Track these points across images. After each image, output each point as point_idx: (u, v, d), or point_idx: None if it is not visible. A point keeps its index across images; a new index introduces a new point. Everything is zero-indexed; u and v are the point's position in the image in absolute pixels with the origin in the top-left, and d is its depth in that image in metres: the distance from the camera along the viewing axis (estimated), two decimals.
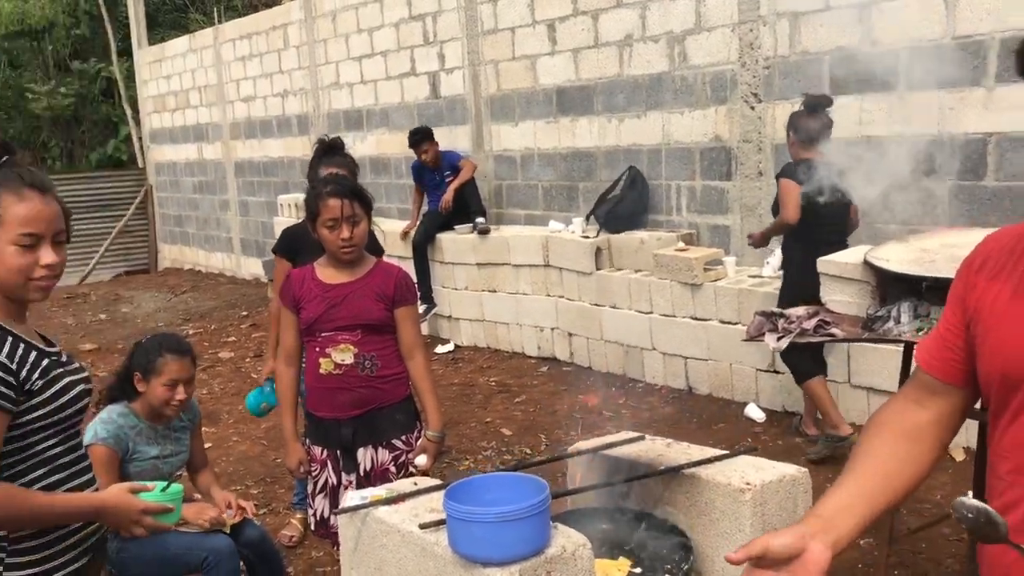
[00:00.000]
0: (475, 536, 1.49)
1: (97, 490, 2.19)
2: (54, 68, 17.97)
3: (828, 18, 5.71)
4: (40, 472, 2.03)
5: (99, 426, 3.25)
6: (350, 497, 1.86)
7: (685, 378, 6.23)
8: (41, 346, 2.10)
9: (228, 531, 3.38)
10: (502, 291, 7.59)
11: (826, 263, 3.20)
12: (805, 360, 4.83)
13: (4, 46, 17.17)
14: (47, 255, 2.00)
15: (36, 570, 2.03)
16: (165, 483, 2.17)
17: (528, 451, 5.51)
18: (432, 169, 8.01)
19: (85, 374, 2.21)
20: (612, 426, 5.80)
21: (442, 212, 7.90)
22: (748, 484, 2.00)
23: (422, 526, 1.64)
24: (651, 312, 6.36)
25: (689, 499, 2.12)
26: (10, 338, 2.01)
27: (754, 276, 5.99)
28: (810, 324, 2.94)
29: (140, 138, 15.61)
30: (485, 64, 8.27)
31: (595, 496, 2.14)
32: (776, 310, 3.21)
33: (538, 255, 7.20)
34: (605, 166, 7.28)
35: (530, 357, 7.44)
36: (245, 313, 10.27)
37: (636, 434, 2.26)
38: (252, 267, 12.28)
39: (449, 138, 8.80)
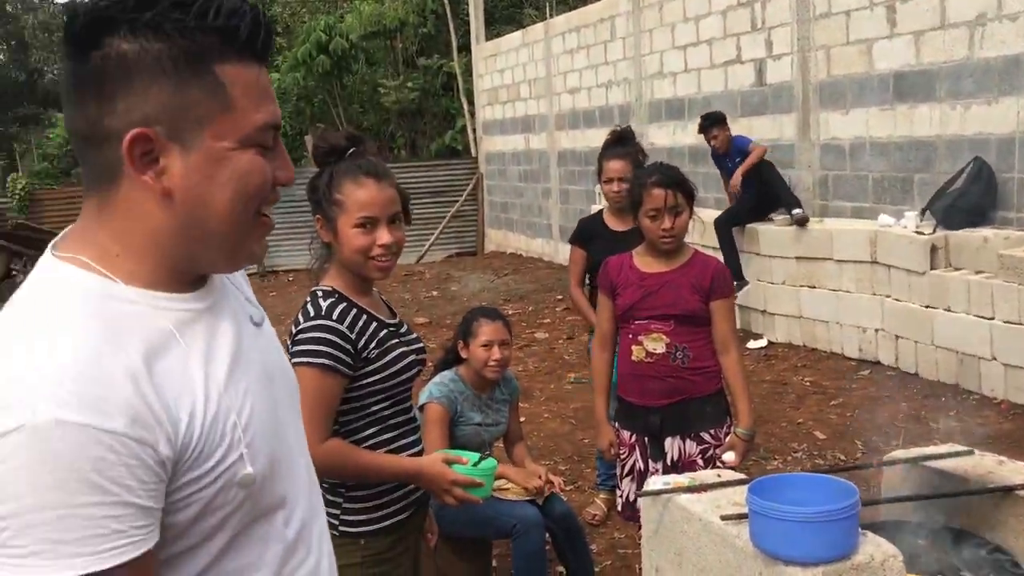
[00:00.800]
0: (779, 533, 1.45)
1: (421, 452, 2.40)
2: (402, 65, 19.62)
3: None
4: (372, 431, 2.26)
5: (434, 388, 3.57)
6: (653, 481, 1.88)
7: None
8: (382, 317, 2.33)
9: (540, 503, 3.56)
10: (822, 287, 7.24)
11: None
12: None
13: (363, 45, 19.00)
14: (383, 235, 2.22)
15: (368, 516, 2.27)
16: (478, 457, 2.31)
17: (842, 457, 5.23)
18: (723, 155, 7.80)
19: (419, 345, 2.42)
20: (939, 439, 5.34)
21: (731, 195, 7.72)
22: None
23: (723, 517, 1.63)
24: (992, 318, 5.77)
25: (1022, 525, 1.90)
26: (354, 310, 2.25)
27: None
28: None
29: (474, 129, 16.65)
30: (815, 49, 7.90)
31: (910, 510, 1.99)
32: None
33: (864, 251, 6.78)
34: (946, 157, 6.70)
35: (849, 359, 7.04)
36: (560, 297, 10.64)
37: (964, 448, 2.07)
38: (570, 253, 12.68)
39: (774, 126, 8.54)
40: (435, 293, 11.95)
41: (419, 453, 2.39)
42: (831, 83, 7.76)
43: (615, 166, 4.32)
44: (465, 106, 17.17)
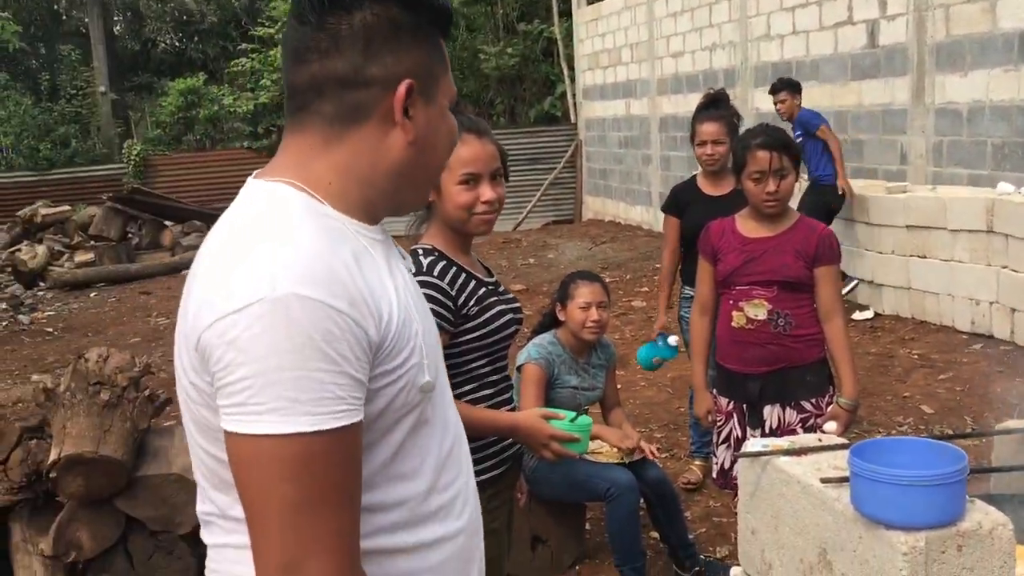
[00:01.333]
0: (882, 497, 1.40)
1: (515, 408, 2.42)
2: (503, 30, 19.57)
3: None
4: (469, 387, 2.29)
5: (532, 349, 3.59)
6: (752, 443, 1.85)
7: None
8: (481, 276, 2.35)
9: (627, 463, 3.55)
10: (933, 258, 6.96)
11: None
12: None
13: (463, 12, 19.02)
14: (486, 191, 2.23)
15: None
16: (575, 414, 2.32)
17: (950, 432, 5.05)
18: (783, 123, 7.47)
19: (516, 304, 2.43)
20: None
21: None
22: None
23: (824, 480, 1.59)
24: None
25: None
26: (454, 268, 2.27)
27: None
28: None
29: (574, 95, 16.53)
30: (933, 8, 7.54)
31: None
32: None
33: (980, 219, 6.48)
34: None
35: (961, 332, 6.76)
36: (658, 265, 10.51)
37: None
38: None
39: (885, 91, 8.21)
40: (532, 260, 11.97)
41: (512, 409, 2.41)
42: (949, 44, 7.41)
43: (709, 129, 4.23)
44: (565, 71, 17.05)
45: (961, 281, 6.73)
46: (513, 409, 2.41)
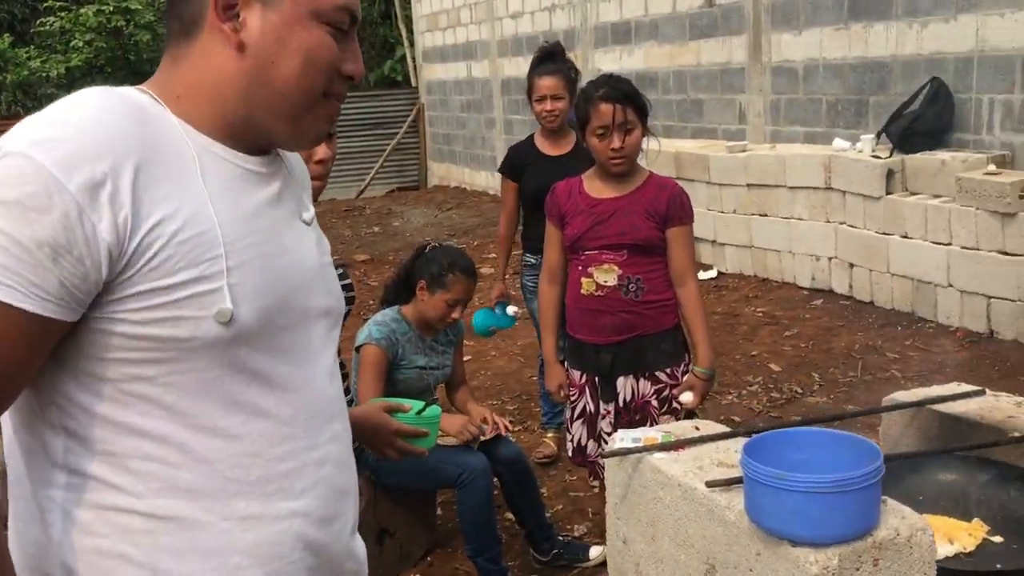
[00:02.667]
0: (785, 507, 1.18)
1: (351, 402, 2.11)
2: None
3: None
4: None
5: (373, 327, 3.26)
6: (620, 437, 1.61)
7: (987, 320, 5.47)
8: None
9: (476, 447, 3.30)
10: (774, 215, 7.03)
11: None
12: None
13: None
14: (320, 149, 1.92)
15: None
16: (423, 404, 2.03)
17: (799, 390, 5.07)
18: None
19: (346, 281, 2.11)
20: (897, 368, 5.22)
21: None
22: None
23: (709, 484, 1.36)
24: (950, 244, 5.61)
25: None
26: None
27: None
28: None
29: (414, 58, 16.07)
30: None
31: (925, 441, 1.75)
32: None
33: (818, 176, 6.56)
34: (901, 78, 6.47)
35: (802, 288, 6.87)
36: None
37: (973, 388, 1.84)
38: None
39: (723, 50, 8.23)
40: (376, 229, 11.55)
41: (348, 403, 2.10)
42: (784, 3, 7.46)
43: (547, 83, 4.01)
44: (404, 34, 16.54)
45: (801, 238, 6.82)
46: (349, 402, 2.09)
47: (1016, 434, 1.63)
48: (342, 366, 2.09)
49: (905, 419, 1.83)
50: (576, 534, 3.76)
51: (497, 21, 12.57)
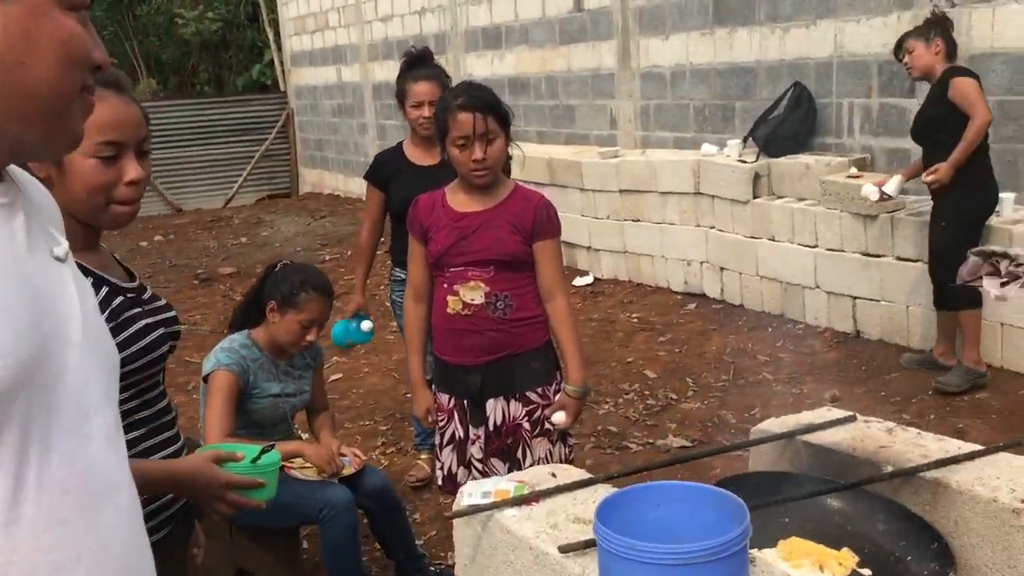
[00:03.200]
0: None
1: (181, 451, 1.88)
2: None
3: None
4: None
5: (220, 354, 3.00)
6: (469, 492, 1.44)
7: (852, 320, 5.59)
8: (116, 280, 1.78)
9: (336, 480, 3.10)
10: (646, 221, 7.04)
11: None
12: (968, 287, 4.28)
13: None
14: (131, 168, 1.65)
15: None
16: (258, 451, 1.82)
17: (674, 396, 5.04)
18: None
19: (170, 314, 1.87)
20: (768, 372, 5.26)
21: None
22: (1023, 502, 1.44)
23: (562, 549, 1.22)
24: (815, 246, 5.71)
25: (933, 512, 1.58)
26: None
27: None
28: None
29: (282, 62, 15.60)
30: None
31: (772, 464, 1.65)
32: (996, 249, 2.60)
33: (688, 182, 6.60)
34: (766, 83, 6.57)
35: (675, 292, 6.90)
36: (381, 240, 10.09)
37: (844, 413, 1.75)
38: None
39: (593, 55, 8.22)
40: (244, 240, 11.10)
41: (177, 453, 1.87)
42: (651, 8, 7.49)
43: (423, 88, 3.83)
44: (271, 37, 16.04)
45: (673, 243, 6.85)
46: (179, 451, 1.87)
47: (889, 469, 1.55)
48: (163, 413, 1.85)
49: (776, 449, 1.74)
50: (450, 562, 3.59)
51: (366, 24, 12.30)
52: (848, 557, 1.44)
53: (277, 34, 15.65)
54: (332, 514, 2.97)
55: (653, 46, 7.55)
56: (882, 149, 5.88)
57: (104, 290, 1.73)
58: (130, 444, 1.73)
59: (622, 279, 7.39)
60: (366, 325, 4.10)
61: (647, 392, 5.15)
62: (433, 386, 3.03)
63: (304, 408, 3.31)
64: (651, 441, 4.51)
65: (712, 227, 6.53)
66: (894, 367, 5.09)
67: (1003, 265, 2.47)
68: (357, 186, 13.36)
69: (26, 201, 1.03)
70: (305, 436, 3.49)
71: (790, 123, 6.14)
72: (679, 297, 6.81)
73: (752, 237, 6.15)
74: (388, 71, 11.90)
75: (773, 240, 6.00)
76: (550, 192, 7.24)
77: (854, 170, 5.70)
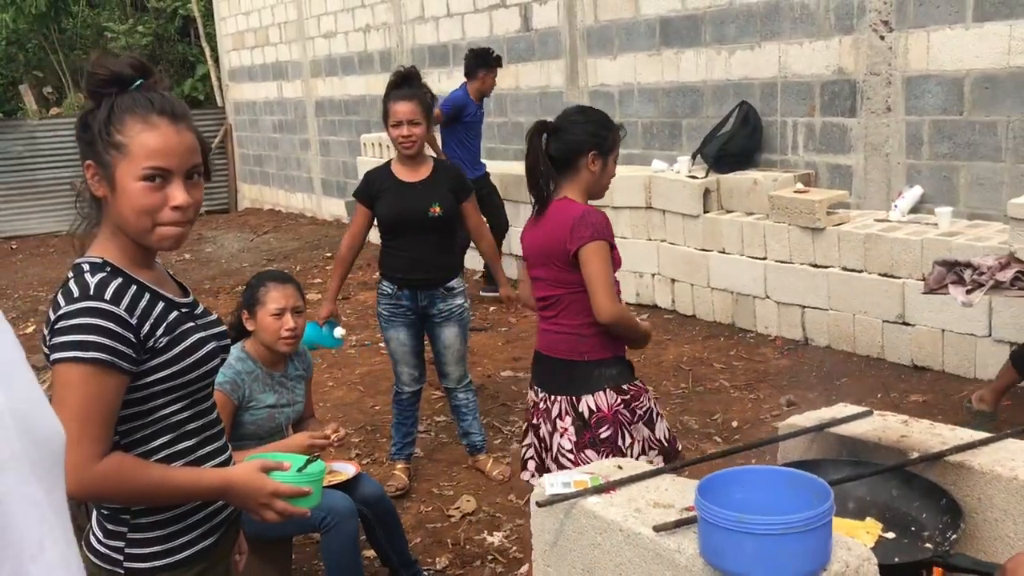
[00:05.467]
0: (745, 549, 1.20)
1: (230, 460, 1.96)
2: (131, 7, 17.88)
3: None
4: (164, 439, 1.79)
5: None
6: (550, 483, 1.58)
7: (802, 329, 5.86)
8: (171, 296, 1.85)
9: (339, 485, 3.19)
10: None
11: (1019, 207, 2.81)
12: None
13: None
14: (178, 194, 1.72)
15: (162, 547, 1.80)
16: (304, 460, 1.91)
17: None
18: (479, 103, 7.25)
19: (220, 328, 1.95)
20: (724, 378, 5.48)
21: None
22: None
23: (658, 528, 1.36)
24: (765, 258, 5.97)
25: (957, 491, 1.79)
26: (133, 287, 1.75)
27: (881, 220, 5.56)
28: (1005, 276, 2.58)
29: (219, 77, 15.48)
30: None
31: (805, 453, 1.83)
32: (960, 259, 2.84)
33: (640, 196, 6.82)
34: (712, 102, 6.84)
35: (628, 304, 7.09)
36: (329, 254, 10.11)
37: (861, 408, 1.93)
38: (333, 208, 12.12)
39: (542, 73, 8.42)
40: (188, 256, 11.00)
41: (227, 462, 1.94)
42: (599, 28, 7.72)
43: (403, 108, 3.97)
44: (207, 52, 15.91)
45: (626, 256, 7.01)
46: (228, 460, 1.94)
47: (915, 454, 1.75)
48: (213, 425, 1.93)
49: (805, 442, 1.92)
50: (439, 567, 3.70)
51: (309, 41, 12.32)
52: (874, 525, 1.64)
53: (214, 49, 15.53)
54: (335, 522, 3.05)
55: (601, 66, 7.78)
56: (825, 165, 6.19)
57: (160, 305, 1.80)
58: (183, 453, 1.84)
59: None
60: (339, 331, 4.18)
61: None
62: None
63: (298, 418, 3.39)
64: None
65: (663, 240, 6.75)
66: (843, 372, 5.35)
67: (967, 274, 2.71)
68: (300, 202, 13.34)
69: None
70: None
71: (737, 140, 6.41)
72: (632, 309, 7.01)
73: (703, 250, 6.39)
74: (332, 88, 11.96)
75: (723, 252, 6.25)
76: (507, 208, 7.40)
77: (800, 185, 5.98)
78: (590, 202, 2.92)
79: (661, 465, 2.13)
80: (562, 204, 2.85)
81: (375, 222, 4.21)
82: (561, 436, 2.80)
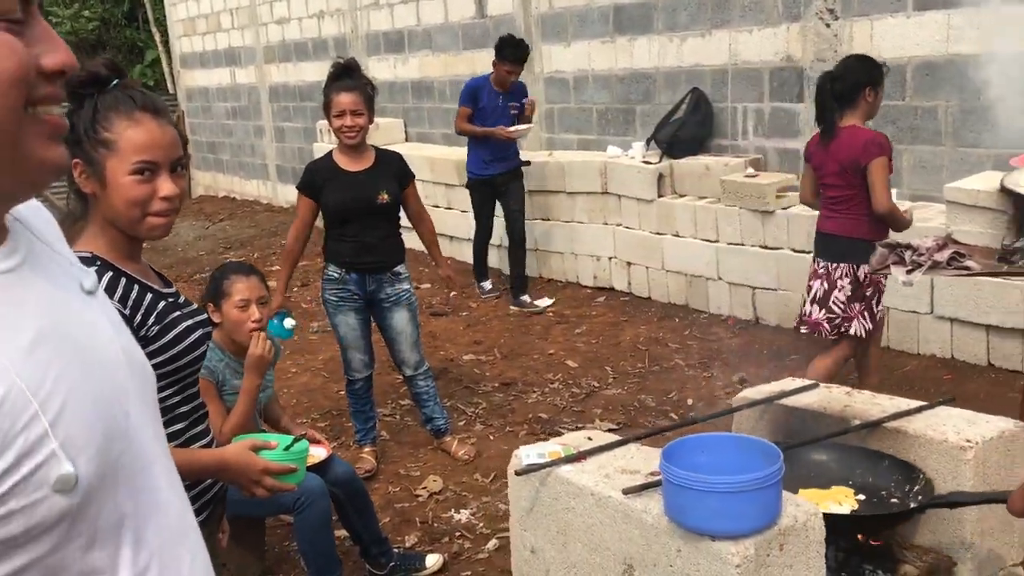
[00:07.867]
0: (706, 506, 1.34)
1: (212, 442, 2.06)
2: None
3: None
4: None
5: None
6: (525, 454, 1.71)
7: (752, 309, 6.06)
8: (157, 287, 1.95)
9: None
10: (556, 220, 7.38)
11: (954, 190, 2.98)
12: None
13: None
14: (165, 185, 1.84)
15: None
16: (290, 440, 2.04)
17: (596, 383, 5.38)
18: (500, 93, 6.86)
19: (204, 316, 2.06)
20: (680, 358, 5.66)
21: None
22: (968, 441, 1.83)
23: (626, 491, 1.49)
24: (717, 241, 6.15)
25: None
26: (123, 280, 1.86)
27: None
28: (942, 256, 2.75)
29: (170, 63, 15.31)
30: None
31: (773, 430, 1.99)
32: (901, 241, 3.01)
33: (595, 182, 6.96)
34: (665, 88, 7.00)
35: (585, 287, 7.26)
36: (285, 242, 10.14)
37: (809, 381, 2.09)
38: (289, 195, 12.08)
39: None
40: (144, 245, 10.91)
41: (210, 444, 2.05)
42: (553, 16, 7.83)
43: (346, 99, 4.04)
44: (158, 37, 15.71)
45: (582, 240, 7.20)
46: (211, 442, 2.05)
47: (857, 422, 1.91)
48: (199, 408, 2.04)
49: (756, 414, 2.06)
50: (408, 544, 3.82)
51: (262, 27, 12.26)
52: (847, 491, 1.82)
53: (164, 35, 15.35)
54: (308, 502, 3.15)
55: (556, 52, 7.89)
56: (774, 150, 6.37)
57: (148, 296, 1.90)
58: (173, 436, 1.94)
59: (533, 275, 7.70)
60: (288, 322, 4.23)
61: (571, 381, 5.47)
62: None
63: (267, 402, 3.49)
64: (581, 425, 4.82)
65: (619, 224, 6.91)
66: (792, 350, 5.56)
67: (907, 255, 2.88)
68: (254, 188, 13.29)
69: (36, 241, 0.92)
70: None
71: (689, 126, 6.57)
72: (589, 291, 7.17)
73: (657, 233, 6.55)
74: (286, 74, 11.92)
75: (677, 236, 6.42)
76: (461, 194, 7.50)
77: (751, 170, 6.17)
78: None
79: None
80: (851, 130, 3.91)
81: (320, 212, 4.27)
82: (839, 292, 3.96)
